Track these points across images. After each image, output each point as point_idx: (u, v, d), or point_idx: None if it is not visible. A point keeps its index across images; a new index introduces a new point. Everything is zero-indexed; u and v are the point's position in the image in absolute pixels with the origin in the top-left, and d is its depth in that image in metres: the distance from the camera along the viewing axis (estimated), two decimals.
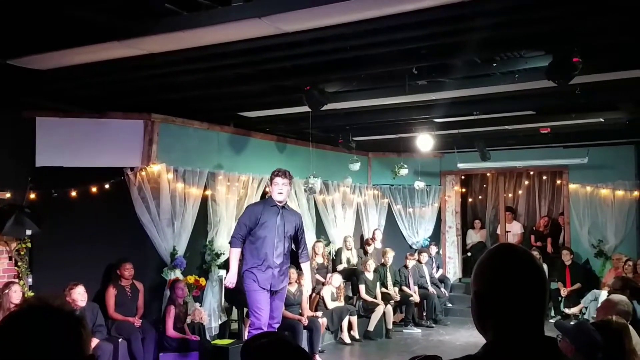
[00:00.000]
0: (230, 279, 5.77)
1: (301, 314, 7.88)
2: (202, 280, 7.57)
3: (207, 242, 7.89)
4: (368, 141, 10.22)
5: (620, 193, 10.44)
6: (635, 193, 10.37)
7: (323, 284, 9.05)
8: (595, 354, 3.00)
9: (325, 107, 6.35)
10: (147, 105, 7.12)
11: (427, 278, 10.55)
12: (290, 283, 7.32)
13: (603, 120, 8.02)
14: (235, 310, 7.99)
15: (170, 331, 6.72)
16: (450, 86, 6.20)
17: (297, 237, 6.02)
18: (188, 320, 7.05)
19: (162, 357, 6.65)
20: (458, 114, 7.71)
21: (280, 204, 5.82)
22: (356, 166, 9.81)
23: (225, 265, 6.94)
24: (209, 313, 7.60)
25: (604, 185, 10.55)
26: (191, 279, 7.37)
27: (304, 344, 7.58)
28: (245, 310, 7.22)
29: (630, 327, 3.38)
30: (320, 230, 10.08)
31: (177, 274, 7.24)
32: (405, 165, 10.48)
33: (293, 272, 7.55)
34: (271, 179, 5.86)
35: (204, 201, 7.81)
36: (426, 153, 10.08)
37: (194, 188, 7.59)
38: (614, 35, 4.79)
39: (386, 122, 8.49)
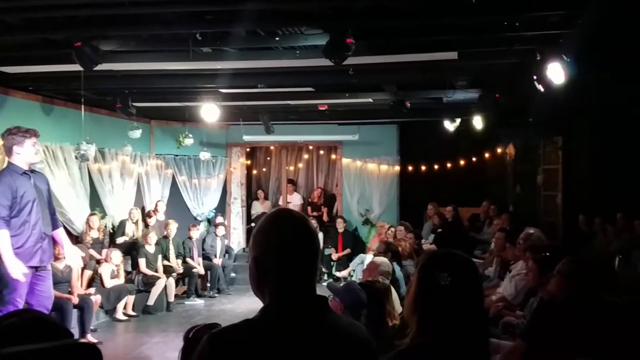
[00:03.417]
0: (17, 269, 4.75)
1: (71, 292, 7.34)
2: None
3: None
4: (150, 108, 9.79)
5: (384, 167, 11.71)
6: (397, 167, 11.71)
7: (98, 261, 8.54)
8: (361, 311, 3.33)
9: (100, 67, 5.86)
10: None
11: (218, 250, 10.59)
12: (58, 259, 6.74)
13: (372, 101, 8.82)
14: None
15: None
16: (233, 56, 6.22)
17: (50, 201, 5.31)
18: None
19: None
20: (243, 85, 7.79)
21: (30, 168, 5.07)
22: (137, 134, 9.35)
23: None
24: None
25: (371, 160, 11.72)
26: None
27: (74, 324, 7.10)
28: None
29: (393, 290, 3.82)
30: (95, 202, 9.41)
31: None
32: (191, 135, 10.29)
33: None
34: (23, 139, 4.93)
35: None
36: (212, 123, 10.05)
37: None
38: (383, 18, 5.25)
39: (170, 89, 8.21)
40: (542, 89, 6.14)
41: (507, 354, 3.69)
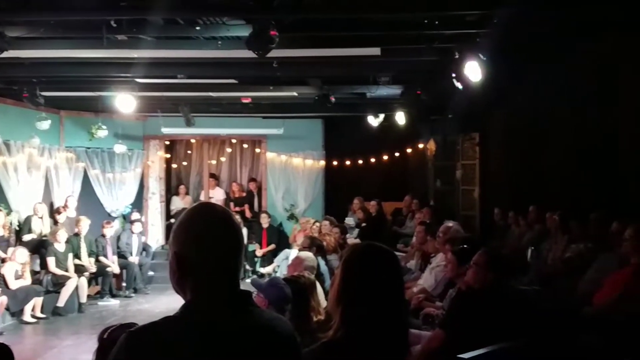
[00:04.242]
0: None
1: None
2: None
3: None
4: (60, 97, 9.29)
5: (309, 162, 11.72)
6: (322, 162, 11.75)
7: (3, 260, 8.03)
8: (285, 305, 3.28)
9: (6, 55, 5.48)
10: None
11: (135, 248, 10.23)
12: None
13: (297, 94, 8.79)
14: None
15: None
16: (152, 45, 5.97)
17: None
18: None
19: None
20: (162, 75, 7.56)
21: None
22: (45, 124, 8.88)
23: None
24: None
25: (296, 155, 11.70)
26: None
27: None
28: None
29: (318, 285, 3.79)
30: (0, 198, 8.87)
31: None
32: (104, 127, 9.88)
33: None
34: None
35: None
36: (128, 115, 9.64)
37: None
38: (306, 12, 5.22)
39: (82, 78, 7.79)
40: (460, 87, 6.33)
41: (427, 343, 3.77)
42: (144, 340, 1.42)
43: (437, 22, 5.30)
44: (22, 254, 8.02)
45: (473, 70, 5.80)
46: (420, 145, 11.69)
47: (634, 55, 5.72)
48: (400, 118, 9.52)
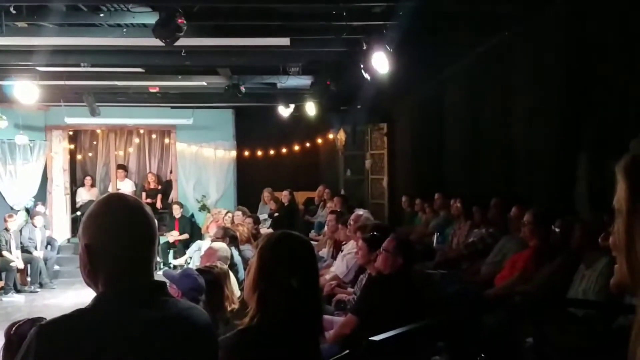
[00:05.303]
0: None
1: None
2: None
3: None
4: None
5: (220, 153, 11.62)
6: (233, 153, 11.69)
7: None
8: (198, 296, 3.30)
9: None
10: None
11: (38, 242, 9.79)
12: None
13: (206, 84, 8.69)
14: None
15: None
16: (52, 32, 5.72)
17: None
18: None
19: None
20: (64, 63, 7.24)
21: None
22: None
23: None
24: None
25: (207, 145, 11.55)
26: None
27: None
28: None
29: (231, 274, 3.82)
30: None
31: None
32: (4, 117, 9.40)
33: None
34: None
35: None
36: (28, 104, 9.14)
37: None
38: (214, 1, 5.20)
39: None
40: (368, 77, 6.51)
41: (340, 328, 3.91)
42: (56, 333, 1.40)
43: (345, 13, 5.41)
44: None
45: (380, 61, 5.93)
46: (331, 136, 11.90)
47: (524, 44, 6.10)
48: (311, 108, 9.65)
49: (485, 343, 3.80)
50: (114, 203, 1.59)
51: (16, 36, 5.77)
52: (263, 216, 10.30)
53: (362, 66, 6.42)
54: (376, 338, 2.82)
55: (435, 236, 7.17)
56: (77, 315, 1.44)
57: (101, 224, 1.53)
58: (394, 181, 10.85)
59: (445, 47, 6.95)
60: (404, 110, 10.48)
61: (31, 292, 9.37)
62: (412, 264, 4.16)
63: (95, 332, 1.40)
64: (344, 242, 6.30)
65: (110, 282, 1.50)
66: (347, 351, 3.05)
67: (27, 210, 10.66)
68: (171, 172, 12.21)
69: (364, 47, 6.11)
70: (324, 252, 7.30)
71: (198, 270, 3.63)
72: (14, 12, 5.10)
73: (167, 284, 3.20)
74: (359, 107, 9.95)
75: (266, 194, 10.95)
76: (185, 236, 10.72)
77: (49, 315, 1.60)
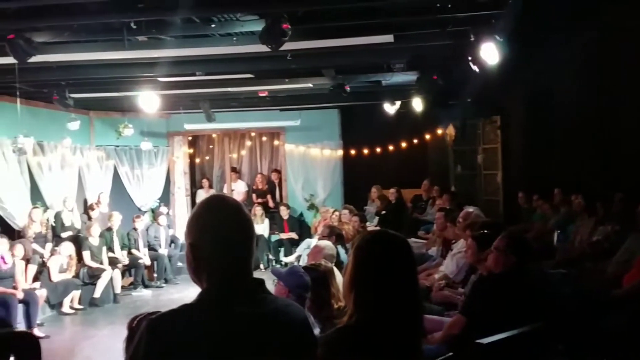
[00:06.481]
0: None
1: (15, 287, 7.18)
2: None
3: None
4: (89, 99, 9.53)
5: (327, 152, 11.78)
6: (340, 152, 11.81)
7: (42, 255, 8.35)
8: (305, 293, 3.37)
9: (35, 59, 5.69)
10: None
11: (162, 240, 10.46)
12: None
13: (312, 86, 8.84)
14: None
15: None
16: (170, 44, 6.10)
17: None
18: None
19: None
20: (181, 73, 7.67)
21: None
22: (75, 125, 9.14)
23: None
24: None
25: (314, 145, 11.77)
26: None
27: (20, 319, 6.99)
28: None
29: (336, 271, 3.88)
30: (37, 196, 9.19)
31: None
32: (130, 125, 10.12)
33: (4, 243, 6.84)
34: None
35: None
36: (152, 113, 9.84)
37: None
38: (317, 3, 5.26)
39: (107, 79, 7.98)
40: (477, 70, 6.29)
41: (448, 329, 3.82)
42: (163, 326, 1.51)
43: (449, 6, 5.28)
44: (66, 248, 8.36)
45: (489, 53, 5.71)
46: (439, 131, 11.63)
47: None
48: (417, 104, 9.50)
49: (608, 346, 3.55)
50: (213, 204, 1.68)
51: (138, 49, 6.21)
52: (369, 210, 10.31)
53: (470, 58, 6.22)
54: (484, 341, 2.72)
55: (556, 234, 6.83)
56: (183, 310, 1.55)
57: (202, 223, 1.63)
58: (509, 176, 10.38)
59: (560, 33, 6.57)
60: (518, 101, 10.02)
61: (157, 287, 10.02)
62: (527, 262, 3.95)
63: (198, 325, 1.50)
64: (453, 241, 6.16)
65: (212, 279, 1.60)
66: (451, 354, 2.96)
67: (153, 211, 11.42)
68: (272, 172, 12.58)
69: (472, 39, 5.91)
70: (433, 250, 7.19)
71: (304, 268, 3.69)
72: (134, 27, 5.49)
73: (274, 281, 3.31)
74: (468, 100, 9.64)
75: (374, 190, 10.93)
76: (294, 235, 11.01)
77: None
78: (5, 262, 7.22)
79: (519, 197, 8.98)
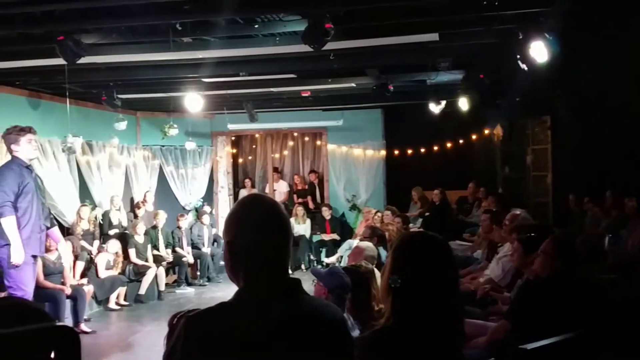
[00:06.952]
0: (19, 255, 5.11)
1: (63, 283, 7.38)
2: None
3: None
4: (135, 99, 9.76)
5: (370, 152, 11.69)
6: (382, 152, 11.70)
7: (90, 252, 8.57)
8: (344, 294, 3.33)
9: (83, 60, 5.85)
10: None
11: (206, 239, 10.60)
12: (49, 251, 6.87)
13: (355, 85, 8.78)
14: None
15: None
16: (215, 45, 6.18)
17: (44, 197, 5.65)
18: None
19: None
20: (225, 74, 7.74)
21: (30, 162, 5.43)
22: (122, 125, 9.35)
23: None
24: None
25: (356, 145, 11.70)
26: None
27: (68, 314, 7.15)
28: None
29: (377, 272, 3.83)
30: (85, 194, 9.45)
31: None
32: (176, 125, 10.32)
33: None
34: (18, 137, 5.31)
35: None
36: (196, 113, 9.99)
37: None
38: (360, 2, 5.21)
39: (153, 80, 8.14)
40: (526, 68, 6.12)
41: (492, 334, 3.72)
42: (200, 323, 1.52)
43: (496, 3, 5.16)
44: (113, 245, 8.56)
45: (539, 51, 5.55)
46: (486, 131, 11.37)
47: None
48: (463, 104, 9.31)
49: None
50: (251, 203, 1.69)
51: (183, 51, 6.31)
52: (413, 216, 10.17)
53: (518, 56, 6.06)
54: (528, 346, 2.62)
55: (607, 238, 6.58)
56: (219, 309, 1.56)
57: (239, 222, 1.63)
58: (560, 178, 10.05)
59: (612, 30, 6.33)
60: (569, 101, 9.69)
61: (200, 285, 10.16)
62: (575, 267, 3.81)
63: (234, 324, 1.50)
64: (499, 244, 6.01)
65: (249, 278, 1.60)
66: (492, 359, 2.87)
67: (196, 210, 11.60)
68: (310, 172, 12.54)
69: (520, 37, 5.75)
70: (478, 253, 7.04)
71: (344, 269, 3.66)
72: (179, 28, 5.58)
73: (314, 282, 3.28)
74: (517, 100, 9.39)
75: (414, 192, 10.79)
76: (336, 236, 10.97)
77: None
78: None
79: (569, 199, 8.68)
